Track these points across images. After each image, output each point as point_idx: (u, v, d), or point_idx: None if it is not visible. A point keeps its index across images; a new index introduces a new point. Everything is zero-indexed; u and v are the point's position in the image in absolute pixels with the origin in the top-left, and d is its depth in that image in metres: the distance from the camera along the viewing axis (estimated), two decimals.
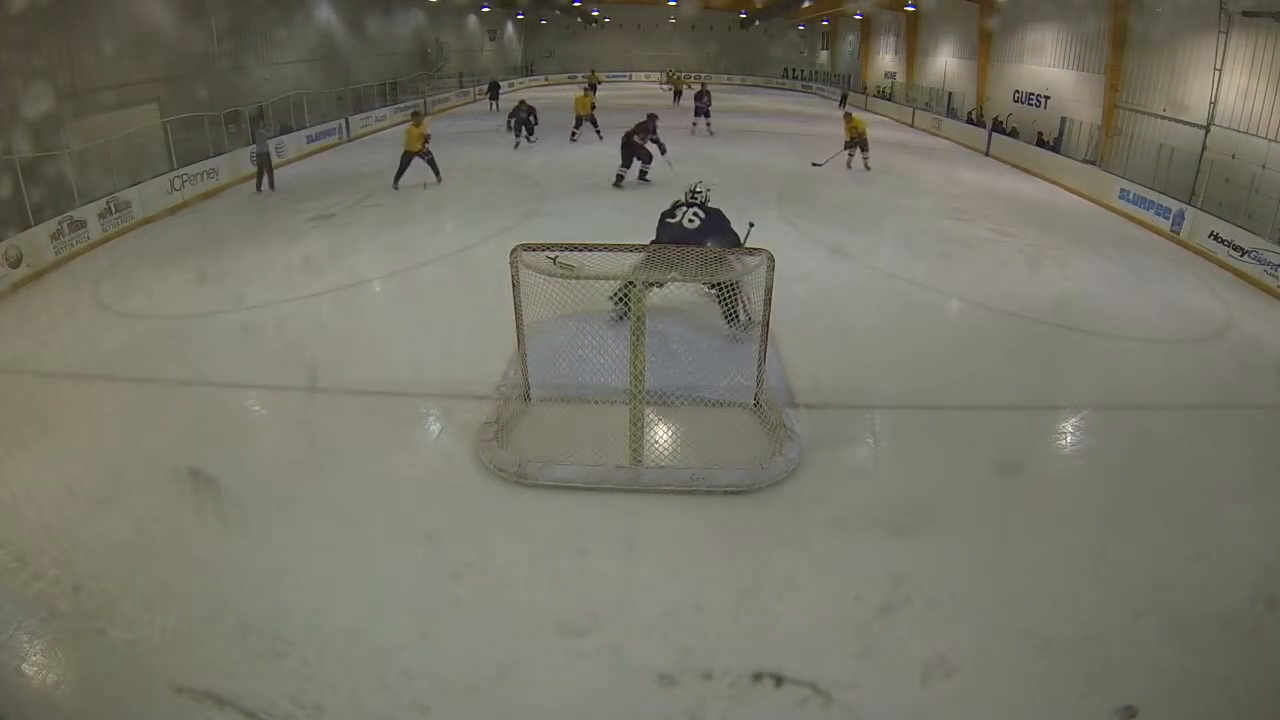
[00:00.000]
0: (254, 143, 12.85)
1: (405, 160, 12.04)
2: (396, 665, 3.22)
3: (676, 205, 6.49)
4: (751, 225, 6.69)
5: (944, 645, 3.37)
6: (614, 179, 12.03)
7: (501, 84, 28.10)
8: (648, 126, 12.08)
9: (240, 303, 7.28)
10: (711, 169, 12.33)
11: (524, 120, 16.24)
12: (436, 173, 12.24)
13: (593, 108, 17.07)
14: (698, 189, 6.68)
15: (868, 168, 14.11)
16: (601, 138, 16.03)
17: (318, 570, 3.79)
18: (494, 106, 24.30)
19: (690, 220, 6.25)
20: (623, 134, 12.10)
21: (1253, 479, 4.82)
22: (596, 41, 38.87)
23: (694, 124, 18.25)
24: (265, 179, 12.47)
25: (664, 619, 3.50)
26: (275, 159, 13.23)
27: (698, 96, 18.62)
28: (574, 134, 16.79)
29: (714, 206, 6.53)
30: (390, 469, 4.68)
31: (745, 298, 5.95)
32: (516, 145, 16.05)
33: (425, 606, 3.60)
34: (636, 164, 12.03)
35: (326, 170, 14.53)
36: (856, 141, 14.15)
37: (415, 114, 12.41)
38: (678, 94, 26.27)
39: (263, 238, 9.64)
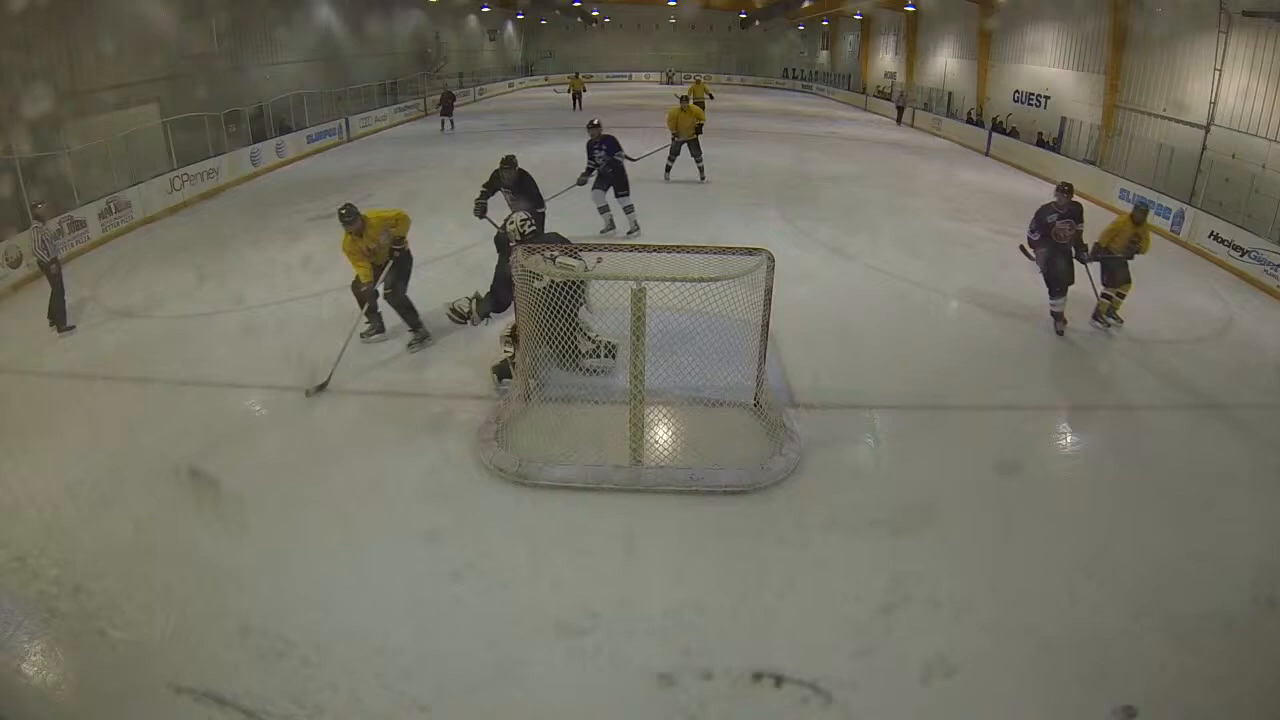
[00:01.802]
0: (41, 242, 6.82)
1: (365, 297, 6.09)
2: (396, 665, 3.22)
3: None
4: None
5: (944, 645, 3.37)
6: None
7: (477, 90, 25.14)
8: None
9: (240, 303, 7.28)
10: (712, 168, 12.34)
11: (615, 174, 8.82)
12: (414, 329, 6.27)
13: (698, 130, 11.79)
14: (522, 225, 5.43)
15: (1119, 319, 6.97)
16: (704, 179, 12.16)
17: (318, 570, 3.79)
18: (447, 126, 19.47)
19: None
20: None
21: (1252, 479, 4.81)
22: (596, 41, 38.87)
23: (669, 166, 12.10)
24: (58, 307, 6.77)
25: (664, 619, 3.50)
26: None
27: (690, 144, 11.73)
28: (669, 167, 12.09)
29: (550, 234, 5.81)
30: (390, 469, 4.68)
31: (584, 326, 5.46)
32: (610, 226, 9.17)
33: (425, 606, 3.60)
34: None
35: (326, 170, 14.53)
36: (1114, 256, 6.77)
37: (345, 213, 5.77)
38: (700, 107, 19.83)
39: (263, 238, 9.64)
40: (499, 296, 5.81)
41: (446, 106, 19.72)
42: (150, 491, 4.38)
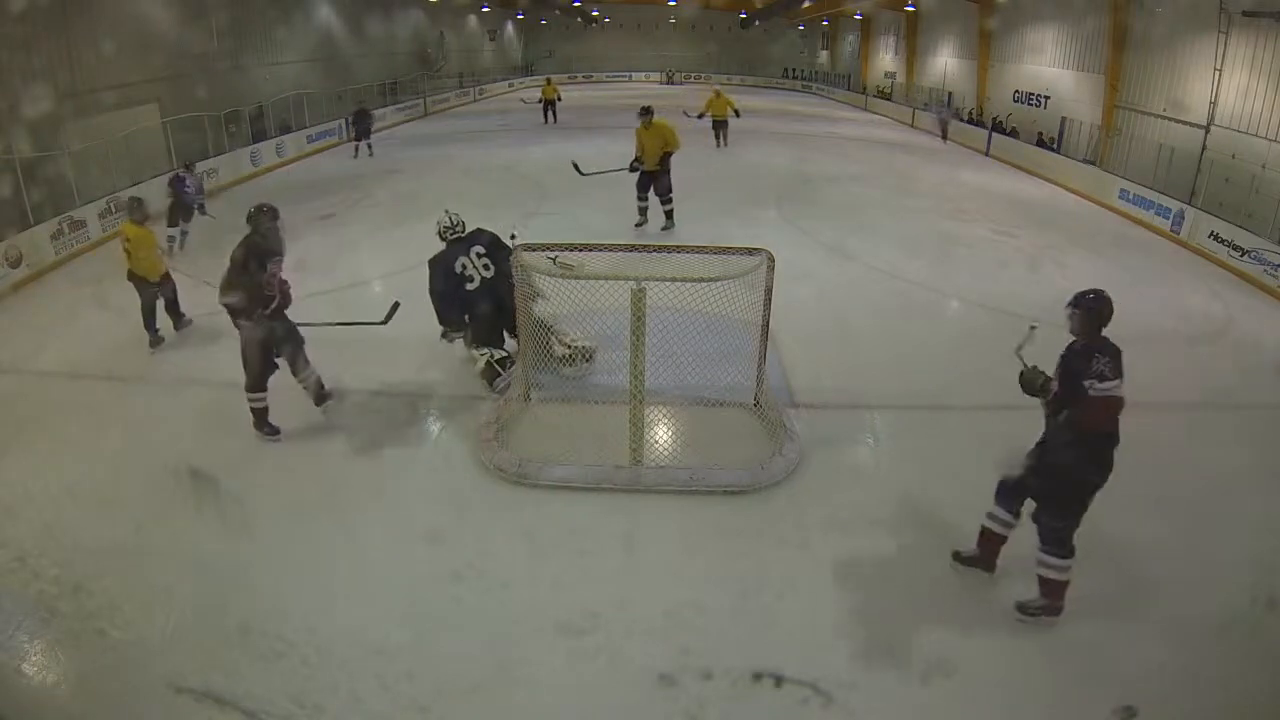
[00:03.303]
0: None
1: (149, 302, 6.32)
2: (397, 665, 3.23)
3: (451, 260, 5.47)
4: (515, 235, 5.56)
5: (944, 645, 3.37)
6: None
7: (445, 95, 23.72)
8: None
9: None
10: (713, 169, 12.34)
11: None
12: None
13: (662, 161, 8.74)
14: (453, 225, 5.63)
15: None
16: (670, 224, 9.23)
17: (318, 570, 3.79)
18: (363, 150, 15.61)
19: (486, 269, 5.47)
20: None
21: (1252, 479, 4.81)
22: (596, 42, 38.87)
23: (641, 209, 9.23)
24: None
25: (664, 619, 3.50)
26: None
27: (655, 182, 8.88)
28: (641, 210, 9.25)
29: (474, 230, 5.70)
30: (390, 469, 4.69)
31: (557, 331, 5.53)
32: None
33: (425, 606, 3.61)
34: None
35: (326, 170, 14.53)
36: None
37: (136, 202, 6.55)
38: (720, 130, 15.46)
39: None
40: (436, 310, 5.72)
41: (361, 128, 15.66)
42: (150, 491, 4.38)
